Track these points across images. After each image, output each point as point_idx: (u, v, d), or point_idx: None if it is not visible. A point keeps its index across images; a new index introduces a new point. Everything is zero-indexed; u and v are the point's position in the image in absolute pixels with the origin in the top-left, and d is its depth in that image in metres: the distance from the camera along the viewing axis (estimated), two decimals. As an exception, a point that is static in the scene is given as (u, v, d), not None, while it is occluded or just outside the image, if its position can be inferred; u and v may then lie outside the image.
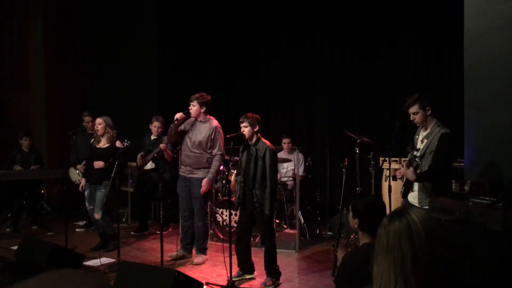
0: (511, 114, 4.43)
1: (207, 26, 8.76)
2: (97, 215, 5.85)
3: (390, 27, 7.31)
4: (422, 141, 4.10)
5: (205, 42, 8.84)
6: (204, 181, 5.34)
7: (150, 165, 6.86)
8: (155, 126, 6.87)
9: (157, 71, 8.94)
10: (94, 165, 5.87)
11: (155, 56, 8.95)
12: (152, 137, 6.93)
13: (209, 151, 5.42)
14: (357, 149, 6.14)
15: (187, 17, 8.81)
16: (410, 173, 3.94)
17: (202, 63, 8.93)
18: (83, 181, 6.24)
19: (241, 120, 4.80)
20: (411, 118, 4.07)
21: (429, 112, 4.00)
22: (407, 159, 4.04)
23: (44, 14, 9.33)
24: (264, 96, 8.71)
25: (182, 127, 5.53)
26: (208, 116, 5.50)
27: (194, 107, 5.39)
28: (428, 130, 4.03)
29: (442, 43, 6.79)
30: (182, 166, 5.58)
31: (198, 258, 5.50)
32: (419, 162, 3.97)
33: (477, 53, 4.66)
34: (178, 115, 5.37)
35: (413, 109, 4.02)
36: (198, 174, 5.42)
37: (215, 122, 5.47)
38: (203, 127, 5.43)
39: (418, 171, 3.98)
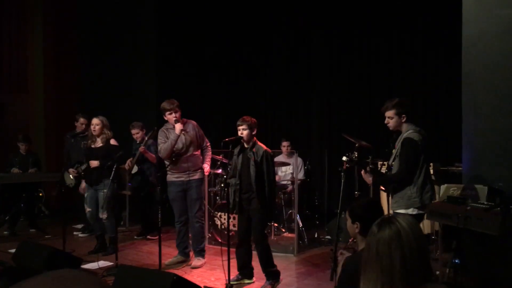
0: (509, 119, 4.44)
1: (205, 29, 8.78)
2: (104, 215, 5.83)
3: (389, 32, 7.34)
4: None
5: (203, 45, 8.85)
6: (205, 167, 5.62)
7: (135, 169, 6.88)
8: (133, 134, 6.92)
9: (156, 74, 8.94)
10: (90, 165, 5.88)
11: (154, 59, 8.96)
12: (138, 141, 6.95)
13: (199, 148, 5.62)
14: (356, 153, 6.14)
15: (185, 19, 8.83)
16: (365, 177, 4.06)
17: (201, 66, 8.94)
18: (83, 183, 6.24)
19: (239, 123, 4.77)
20: (385, 121, 4.08)
21: (404, 119, 4.01)
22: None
23: (43, 18, 9.36)
24: (262, 100, 8.72)
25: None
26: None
27: (177, 114, 5.38)
28: (401, 134, 4.06)
29: (440, 48, 6.82)
30: (176, 173, 5.46)
31: (196, 262, 5.49)
32: (371, 166, 4.13)
33: (475, 58, 4.67)
34: (180, 126, 5.34)
35: (389, 113, 4.05)
36: (196, 175, 5.49)
37: (192, 121, 5.61)
38: (187, 129, 5.49)
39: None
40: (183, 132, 5.35)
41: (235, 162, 4.86)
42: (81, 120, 7.02)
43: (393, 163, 4.04)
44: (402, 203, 3.90)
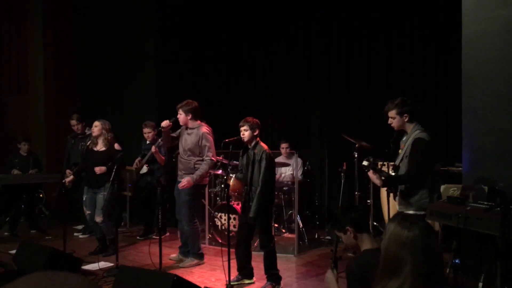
0: (509, 119, 4.44)
1: (205, 31, 8.77)
2: (99, 218, 5.83)
3: (388, 32, 7.34)
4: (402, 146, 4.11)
5: (203, 46, 8.85)
6: (185, 179, 5.29)
7: (144, 169, 6.88)
8: (145, 133, 6.93)
9: (155, 76, 8.94)
10: (96, 171, 5.78)
11: (153, 60, 8.95)
12: (148, 142, 6.95)
13: (198, 156, 5.40)
14: (356, 153, 6.14)
15: (185, 21, 8.82)
16: (374, 178, 3.96)
17: (201, 68, 8.94)
18: (70, 177, 6.22)
19: (241, 124, 4.78)
20: (389, 122, 4.05)
21: (406, 119, 3.97)
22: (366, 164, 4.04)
23: (43, 19, 9.35)
24: (262, 100, 8.72)
25: (176, 133, 5.58)
26: (198, 122, 5.49)
27: (180, 116, 5.41)
28: (407, 135, 4.04)
29: (440, 48, 6.82)
30: (178, 171, 5.60)
31: (186, 262, 5.52)
32: (372, 164, 3.99)
33: (475, 58, 4.67)
34: (164, 123, 5.34)
35: (391, 113, 4.02)
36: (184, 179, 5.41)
37: (203, 129, 5.42)
38: (191, 135, 5.42)
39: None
40: (162, 128, 5.38)
41: (241, 162, 4.93)
42: (72, 122, 7.07)
43: (400, 164, 3.98)
44: (412, 204, 3.85)
